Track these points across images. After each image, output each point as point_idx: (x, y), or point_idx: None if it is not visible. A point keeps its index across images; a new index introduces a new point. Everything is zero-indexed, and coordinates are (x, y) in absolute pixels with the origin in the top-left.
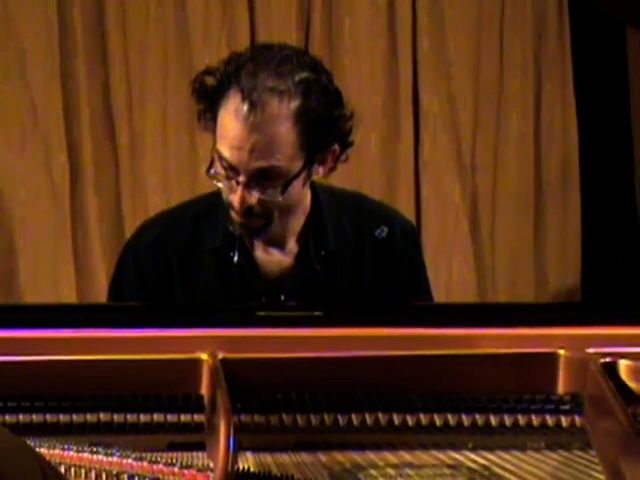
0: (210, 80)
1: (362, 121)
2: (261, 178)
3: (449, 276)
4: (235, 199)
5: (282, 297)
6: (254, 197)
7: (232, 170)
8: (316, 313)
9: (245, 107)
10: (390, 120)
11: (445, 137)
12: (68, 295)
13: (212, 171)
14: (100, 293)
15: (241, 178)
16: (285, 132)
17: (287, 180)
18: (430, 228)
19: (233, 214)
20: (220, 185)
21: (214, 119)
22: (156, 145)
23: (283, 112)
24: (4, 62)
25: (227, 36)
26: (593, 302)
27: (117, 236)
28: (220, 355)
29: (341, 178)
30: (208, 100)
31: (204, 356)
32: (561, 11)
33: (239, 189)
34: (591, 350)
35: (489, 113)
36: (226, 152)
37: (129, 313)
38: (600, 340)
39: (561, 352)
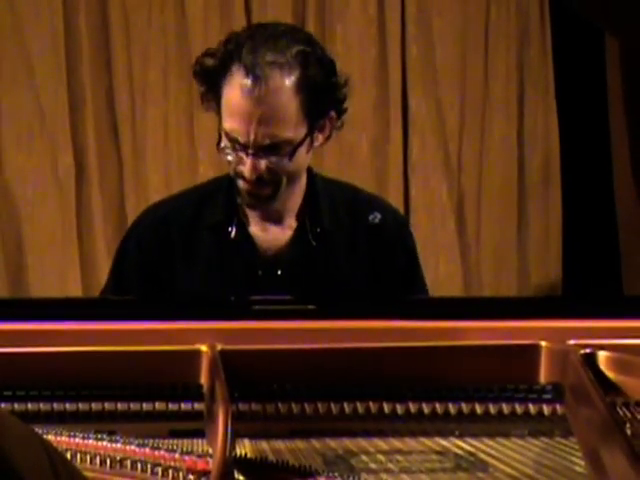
0: (210, 61)
1: (353, 124)
2: (269, 148)
3: (436, 271)
4: (245, 169)
5: (279, 272)
6: (263, 165)
7: (240, 143)
8: (310, 307)
9: (249, 82)
10: (380, 123)
11: (433, 140)
12: (74, 289)
13: (222, 144)
14: None
15: (250, 150)
16: (288, 102)
17: (293, 147)
18: (418, 226)
19: (242, 184)
20: (229, 158)
21: (217, 99)
22: (158, 146)
23: (285, 83)
24: (12, 67)
25: None
26: (573, 296)
27: (121, 233)
28: (219, 347)
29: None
30: (210, 80)
31: (204, 348)
32: (543, 20)
33: (249, 159)
34: (571, 342)
35: (474, 117)
36: (234, 127)
37: (133, 307)
38: (580, 332)
39: (543, 344)
